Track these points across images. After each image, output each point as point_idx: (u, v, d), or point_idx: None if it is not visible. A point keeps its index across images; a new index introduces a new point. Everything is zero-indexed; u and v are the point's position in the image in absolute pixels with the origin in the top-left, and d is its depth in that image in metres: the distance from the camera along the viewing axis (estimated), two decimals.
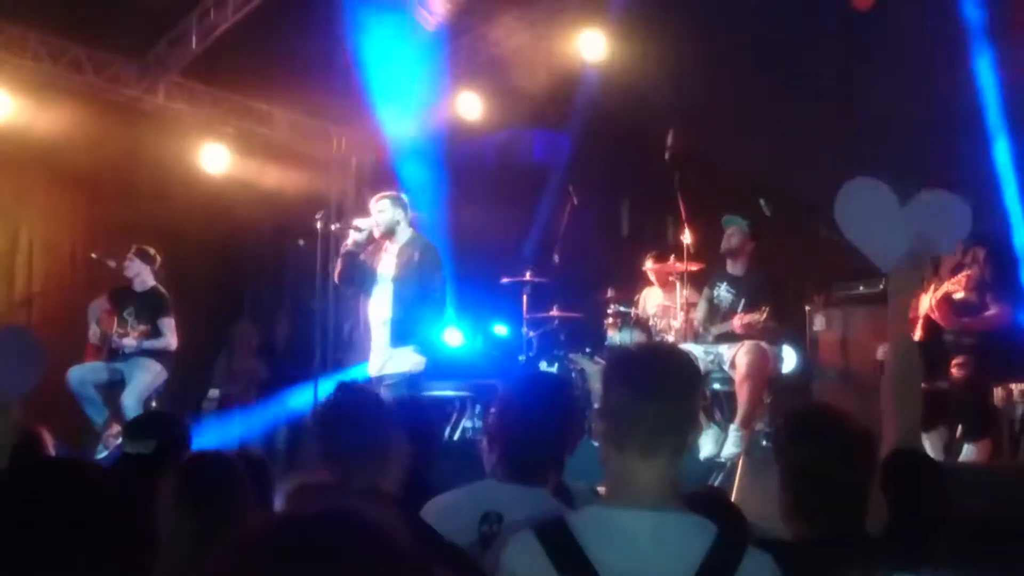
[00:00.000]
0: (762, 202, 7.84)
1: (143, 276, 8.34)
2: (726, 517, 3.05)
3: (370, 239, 7.13)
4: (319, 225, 7.37)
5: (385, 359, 7.06)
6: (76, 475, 1.73)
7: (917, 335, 5.92)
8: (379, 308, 7.11)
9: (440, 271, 7.20)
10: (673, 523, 2.33)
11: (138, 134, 9.83)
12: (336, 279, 7.28)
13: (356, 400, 3.11)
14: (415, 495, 3.22)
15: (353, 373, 9.68)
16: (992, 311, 5.72)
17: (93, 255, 8.51)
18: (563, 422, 3.27)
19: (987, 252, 5.85)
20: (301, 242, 8.35)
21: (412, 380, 7.03)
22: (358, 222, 7.23)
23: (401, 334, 6.98)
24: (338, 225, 7.36)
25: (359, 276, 7.17)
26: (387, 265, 7.12)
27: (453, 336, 9.90)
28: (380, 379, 6.99)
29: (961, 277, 5.66)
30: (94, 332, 8.19)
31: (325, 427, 3.09)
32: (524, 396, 3.32)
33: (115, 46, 9.72)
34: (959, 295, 5.67)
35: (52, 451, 4.82)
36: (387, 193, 7.31)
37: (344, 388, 3.13)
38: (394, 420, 3.10)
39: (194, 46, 9.73)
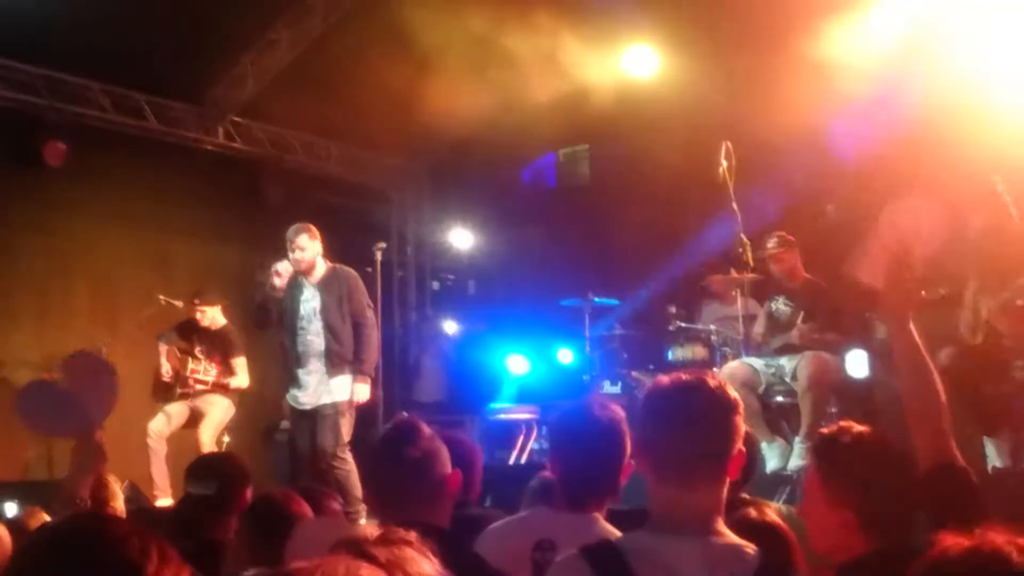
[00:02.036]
0: (829, 208, 7.81)
1: (214, 316, 8.48)
2: (771, 542, 3.06)
3: (293, 277, 7.23)
4: (379, 256, 7.48)
5: (322, 389, 7.06)
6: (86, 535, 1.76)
7: (979, 339, 5.84)
8: (307, 341, 7.13)
9: (365, 295, 7.26)
10: (717, 550, 2.36)
11: (199, 175, 10.04)
12: (274, 324, 7.45)
13: (408, 437, 3.13)
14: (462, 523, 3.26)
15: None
16: None
17: (161, 298, 8.68)
18: (617, 449, 3.28)
19: None
20: (369, 269, 8.47)
21: (354, 408, 7.11)
22: (276, 266, 7.31)
23: (337, 363, 7.05)
24: (259, 276, 7.50)
25: (288, 316, 7.23)
26: (311, 299, 7.17)
27: (518, 364, 9.96)
28: (316, 409, 7.03)
29: (1022, 283, 5.57)
30: (166, 371, 8.33)
31: (375, 464, 3.13)
32: (577, 425, 3.34)
33: (174, 91, 9.95)
34: (1020, 301, 5.57)
35: (118, 497, 4.91)
36: (302, 226, 7.25)
37: (399, 425, 3.15)
38: (444, 456, 3.12)
39: (250, 87, 9.92)
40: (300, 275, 7.21)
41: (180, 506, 4.22)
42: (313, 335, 7.08)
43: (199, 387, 8.28)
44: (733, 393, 2.48)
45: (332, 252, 10.50)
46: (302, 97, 10.11)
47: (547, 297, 9.67)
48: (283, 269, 7.25)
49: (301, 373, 7.12)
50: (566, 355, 10.07)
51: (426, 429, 3.19)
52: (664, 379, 2.55)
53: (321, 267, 7.23)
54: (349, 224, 10.96)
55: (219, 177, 10.39)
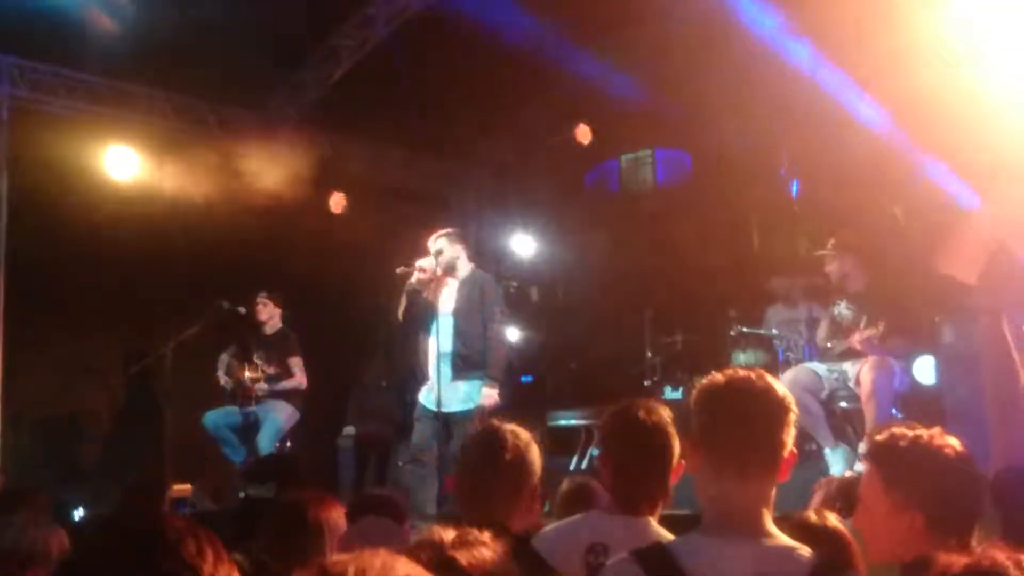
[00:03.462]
0: (896, 211, 7.69)
1: (275, 319, 8.60)
2: (828, 544, 3.00)
3: (431, 277, 7.24)
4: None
5: (448, 392, 7.06)
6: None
7: None
8: (441, 342, 7.17)
9: (500, 304, 7.35)
10: (770, 552, 2.35)
11: (261, 182, 10.14)
12: (400, 316, 7.40)
13: (489, 439, 3.19)
14: None
15: None
16: None
17: (224, 304, 8.77)
18: (666, 451, 3.26)
19: None
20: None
21: (483, 413, 7.06)
22: (420, 262, 7.33)
23: (463, 367, 7.10)
24: (403, 267, 7.46)
25: (420, 313, 7.28)
26: (447, 300, 7.26)
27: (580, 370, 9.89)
28: (450, 415, 7.01)
29: None
30: (225, 381, 8.47)
31: (465, 467, 3.19)
32: (625, 428, 3.32)
33: (236, 100, 10.07)
34: None
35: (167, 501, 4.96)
36: (445, 231, 7.43)
37: (489, 429, 3.22)
38: (535, 467, 3.16)
39: (311, 94, 10.01)
40: (443, 276, 7.29)
41: (239, 508, 4.26)
42: (445, 336, 7.15)
43: (259, 392, 8.37)
44: (787, 393, 2.46)
45: (394, 258, 10.67)
46: (362, 103, 10.20)
47: (608, 302, 9.63)
48: (427, 265, 7.28)
49: (431, 374, 7.18)
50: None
51: (523, 435, 3.23)
52: (719, 376, 2.54)
53: (463, 270, 7.35)
54: (410, 231, 11.00)
55: (282, 183, 10.46)
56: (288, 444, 8.63)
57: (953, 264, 3.22)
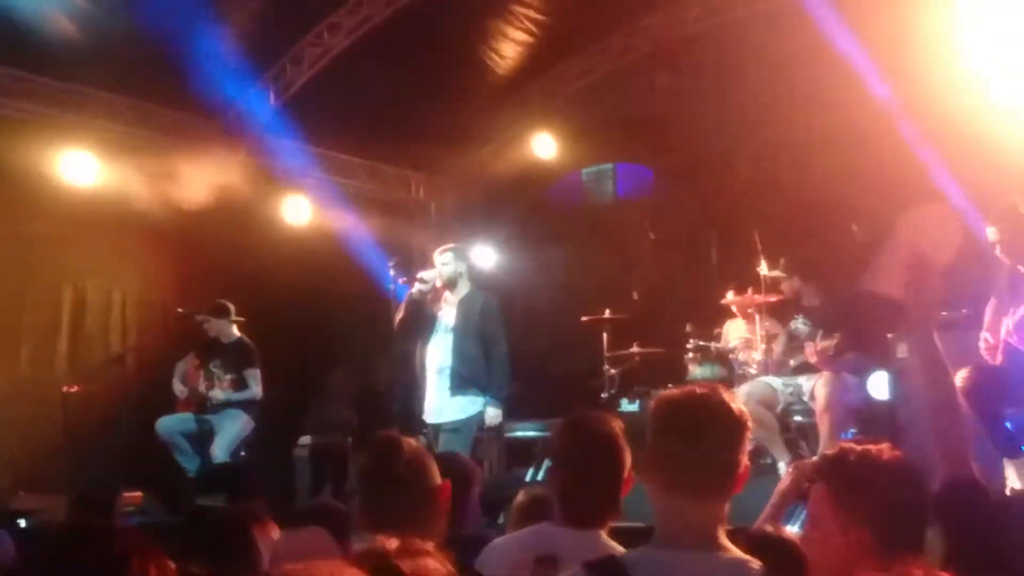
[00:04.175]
0: (854, 227, 7.78)
1: (225, 330, 8.57)
2: (781, 557, 3.02)
3: (433, 290, 7.35)
4: (392, 272, 7.55)
5: (443, 406, 7.23)
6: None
7: (998, 359, 5.77)
8: (437, 356, 7.31)
9: (501, 323, 7.42)
10: (722, 565, 2.37)
11: (222, 190, 10.07)
12: (396, 326, 7.49)
13: (396, 454, 3.10)
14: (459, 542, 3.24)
15: None
16: None
17: (180, 310, 8.76)
18: (616, 464, 3.27)
19: None
20: (392, 287, 8.50)
21: (478, 427, 7.28)
22: (422, 274, 7.45)
23: (460, 383, 7.19)
24: (404, 278, 7.58)
25: (420, 325, 7.39)
26: (447, 315, 7.36)
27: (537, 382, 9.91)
28: (439, 425, 7.17)
29: None
30: (180, 390, 8.43)
31: (364, 481, 3.12)
32: (575, 439, 3.33)
33: (198, 107, 10.00)
34: None
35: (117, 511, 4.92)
36: (451, 246, 7.55)
37: (386, 442, 3.14)
38: (434, 472, 3.11)
39: (272, 101, 9.97)
40: (442, 290, 7.38)
41: (191, 520, 4.22)
42: (443, 351, 7.25)
43: (214, 401, 8.32)
44: (742, 408, 2.48)
45: (352, 267, 10.64)
46: (326, 113, 10.17)
47: (567, 314, 9.64)
48: (428, 277, 7.38)
49: (428, 387, 7.34)
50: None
51: (411, 443, 3.19)
52: (675, 391, 2.55)
53: (464, 287, 7.42)
54: (371, 239, 10.98)
55: (243, 191, 10.40)
56: (243, 453, 8.57)
57: (879, 279, 3.26)
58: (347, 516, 3.75)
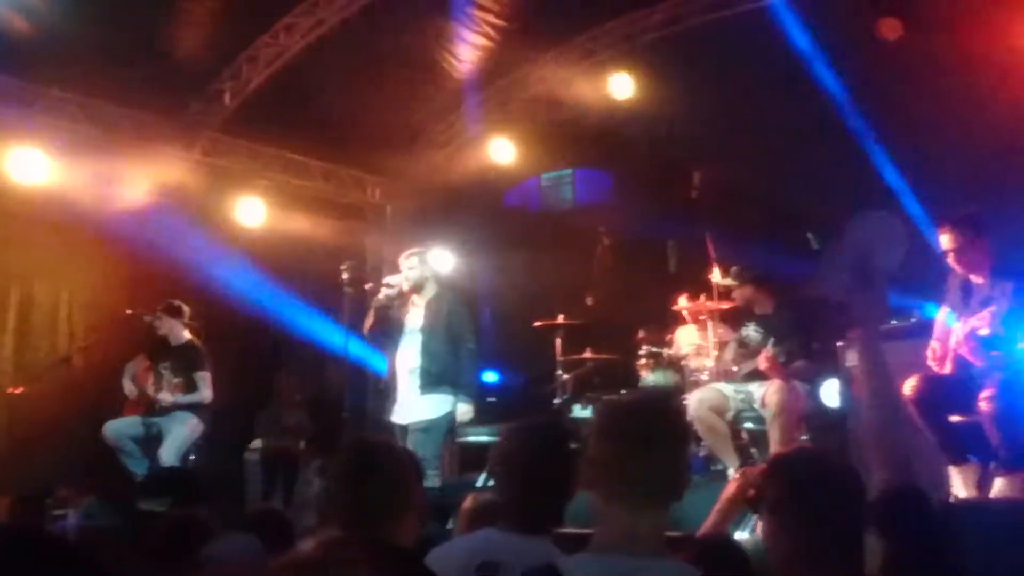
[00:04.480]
0: (809, 235, 7.83)
1: (175, 331, 8.48)
2: (726, 562, 3.03)
3: (400, 294, 7.48)
4: (345, 276, 7.57)
5: (413, 405, 7.31)
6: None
7: (947, 369, 5.82)
8: (407, 358, 7.42)
9: (470, 323, 7.55)
10: (661, 571, 2.35)
11: (176, 190, 9.99)
12: (366, 331, 7.64)
13: (375, 454, 3.13)
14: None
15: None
16: (1023, 344, 5.59)
17: (128, 311, 8.66)
18: (562, 471, 3.26)
19: (1015, 285, 5.72)
20: (349, 290, 8.47)
21: (446, 425, 7.35)
22: (388, 279, 7.58)
23: (430, 382, 7.28)
24: (371, 284, 7.71)
25: (389, 329, 7.52)
26: (415, 317, 7.47)
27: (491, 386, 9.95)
28: (407, 426, 7.23)
29: (985, 314, 5.54)
30: (130, 390, 8.33)
31: (343, 482, 3.10)
32: (522, 446, 3.31)
33: (153, 106, 9.90)
34: (984, 331, 5.55)
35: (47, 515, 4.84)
36: (416, 250, 7.64)
37: (363, 442, 3.15)
38: (414, 473, 3.11)
39: (228, 102, 9.89)
40: (409, 293, 7.49)
41: (130, 523, 4.15)
42: (413, 352, 7.35)
43: (163, 403, 8.23)
44: (688, 418, 2.48)
45: (309, 271, 10.58)
46: (283, 114, 10.10)
47: (522, 319, 9.63)
48: (394, 281, 7.51)
49: (398, 388, 7.43)
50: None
51: (397, 446, 3.19)
52: (620, 398, 2.54)
53: (430, 289, 7.54)
54: (327, 242, 10.92)
55: (198, 192, 10.31)
56: (193, 457, 8.48)
57: (824, 285, 3.29)
58: (289, 522, 3.72)
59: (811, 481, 2.69)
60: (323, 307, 11.45)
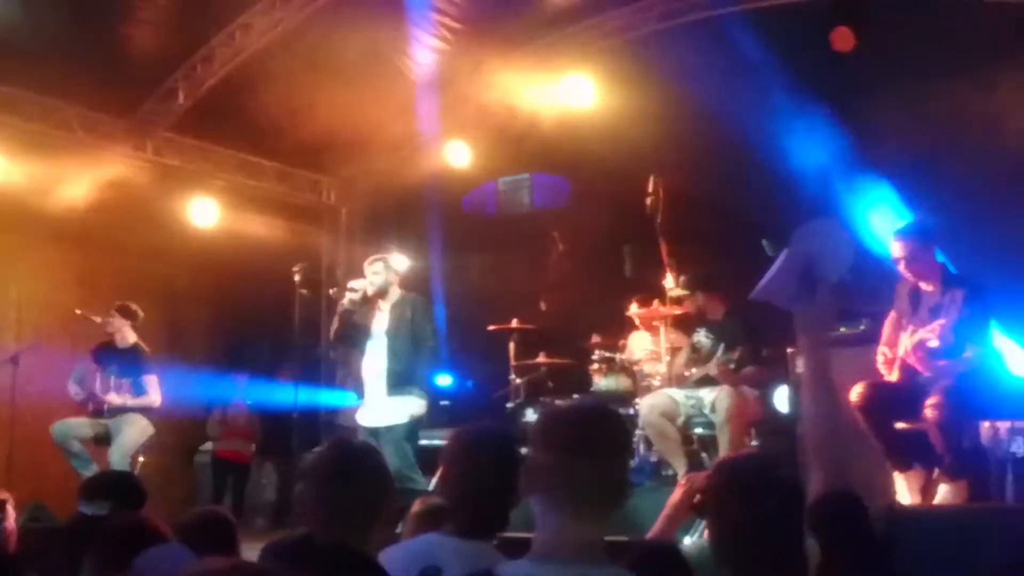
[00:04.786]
0: (764, 243, 7.87)
1: (124, 332, 8.40)
2: (667, 568, 3.04)
3: (364, 299, 7.50)
4: (297, 278, 7.56)
5: (383, 409, 7.33)
6: None
7: (894, 376, 5.88)
8: (374, 362, 7.48)
9: (433, 323, 7.65)
10: None
11: (128, 190, 9.89)
12: (332, 337, 7.78)
13: (355, 458, 3.12)
14: None
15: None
16: (969, 353, 5.66)
17: (78, 311, 8.57)
18: (507, 476, 3.25)
19: (965, 293, 5.80)
20: (304, 292, 8.45)
21: (414, 427, 7.48)
22: (352, 283, 7.59)
23: (398, 383, 7.35)
24: (336, 288, 7.77)
25: (355, 333, 7.57)
26: (380, 322, 7.52)
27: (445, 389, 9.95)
28: (378, 429, 7.26)
29: (935, 326, 5.61)
30: (76, 392, 8.23)
31: (322, 483, 3.07)
32: (467, 450, 3.30)
33: (105, 105, 9.80)
34: (933, 343, 5.62)
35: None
36: (380, 256, 7.72)
37: (343, 445, 3.14)
38: (389, 479, 3.11)
39: (181, 101, 9.81)
40: (374, 297, 7.53)
41: (73, 526, 4.09)
42: (379, 356, 7.42)
43: (110, 405, 8.14)
44: (626, 423, 2.47)
45: (262, 272, 10.51)
46: (237, 114, 10.02)
47: (477, 322, 9.62)
48: (358, 286, 7.53)
49: (365, 391, 7.48)
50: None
51: (377, 451, 3.18)
52: (559, 406, 2.53)
53: (394, 294, 7.57)
54: (281, 244, 10.86)
55: (150, 192, 10.22)
56: (142, 459, 8.40)
57: (770, 292, 3.31)
58: (232, 526, 3.68)
59: (753, 486, 2.72)
60: (276, 308, 11.42)
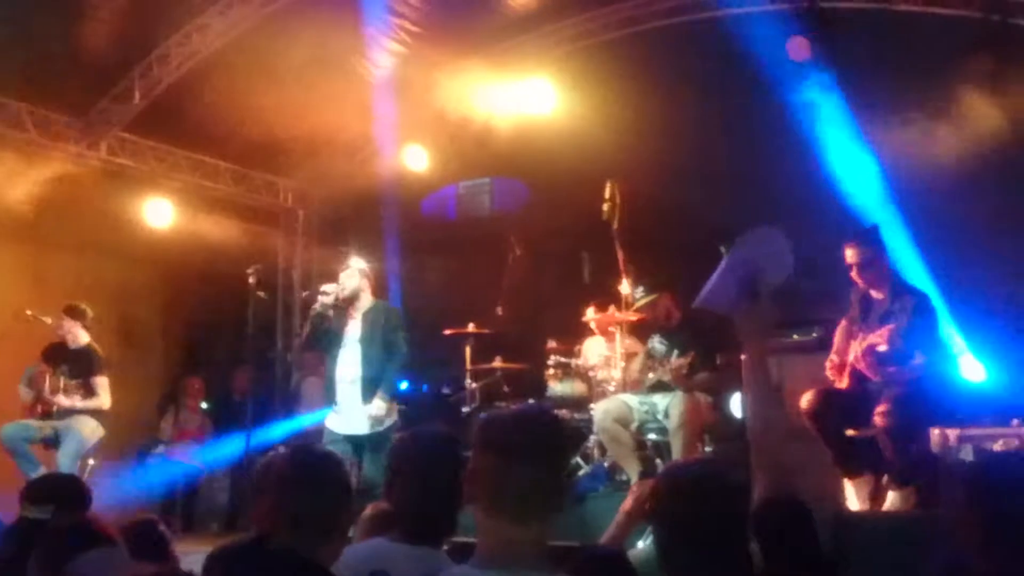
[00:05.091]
0: (723, 249, 7.90)
1: (75, 333, 8.31)
2: (611, 573, 3.04)
3: (336, 303, 7.46)
4: (252, 280, 7.51)
5: (358, 416, 7.29)
6: None
7: (844, 383, 5.93)
8: (348, 368, 7.43)
9: (404, 333, 7.59)
10: None
11: (82, 190, 9.78)
12: (303, 340, 7.81)
13: (318, 465, 3.09)
14: None
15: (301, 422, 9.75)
16: (918, 360, 5.72)
17: (28, 312, 8.46)
18: (454, 480, 3.24)
19: (915, 302, 5.87)
20: (262, 294, 8.39)
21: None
22: (325, 287, 7.54)
23: (373, 391, 7.32)
24: (308, 292, 7.76)
25: (326, 338, 7.52)
26: (353, 328, 7.48)
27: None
28: (355, 437, 7.24)
29: (884, 331, 5.67)
30: (25, 394, 8.13)
31: (280, 489, 3.04)
32: (413, 455, 3.30)
33: (59, 103, 9.69)
34: (882, 348, 5.67)
35: None
36: (355, 262, 7.68)
37: (304, 451, 3.11)
38: (349, 489, 3.08)
39: (137, 101, 9.72)
40: (345, 303, 7.49)
41: (15, 529, 4.03)
42: (353, 362, 7.39)
43: (60, 408, 8.04)
44: (569, 429, 2.46)
45: (218, 274, 10.43)
46: (194, 115, 9.94)
47: (434, 327, 9.60)
48: (330, 290, 7.48)
49: (339, 398, 7.40)
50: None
51: (334, 458, 3.16)
52: (502, 410, 2.52)
53: (365, 301, 7.56)
54: (238, 246, 10.78)
55: (101, 193, 10.11)
56: (92, 462, 8.31)
57: (711, 301, 3.33)
58: (165, 535, 3.65)
59: (699, 491, 2.73)
60: (232, 311, 11.34)
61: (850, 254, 6.03)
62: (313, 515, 2.94)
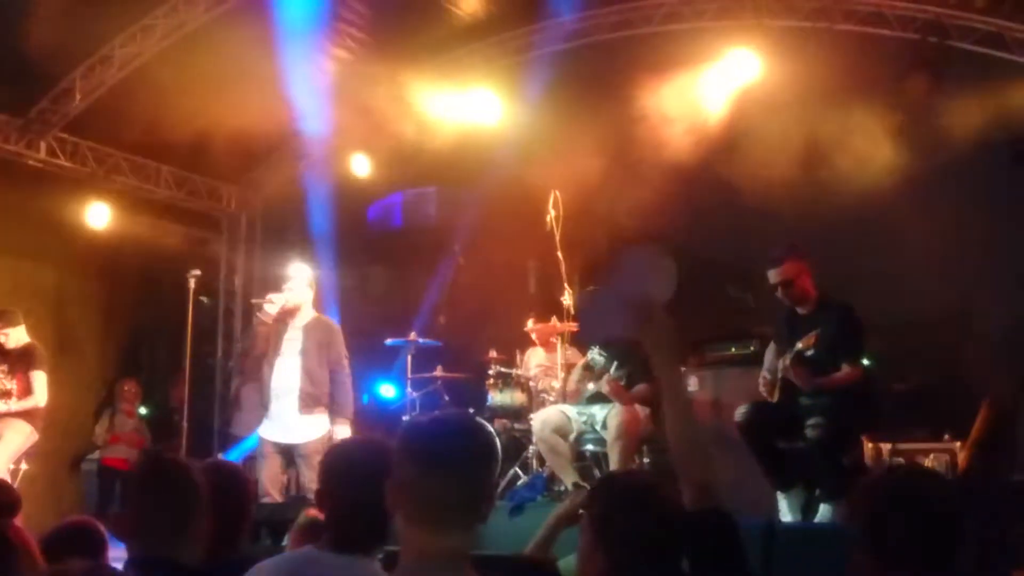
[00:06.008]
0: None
1: (13, 336, 8.14)
2: None
3: (280, 312, 7.43)
4: (191, 284, 7.43)
5: (294, 425, 7.27)
6: None
7: (775, 396, 6.00)
8: (284, 378, 7.38)
9: (344, 348, 7.57)
10: None
11: (19, 191, 9.64)
12: (255, 352, 7.68)
13: (163, 469, 3.06)
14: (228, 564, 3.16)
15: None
16: (845, 371, 5.81)
17: None
18: (383, 490, 3.22)
19: (841, 312, 5.95)
20: (204, 299, 8.32)
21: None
22: (272, 296, 7.49)
23: (310, 404, 7.30)
24: (256, 299, 7.69)
25: (266, 347, 7.48)
26: (293, 338, 7.44)
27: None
28: (292, 446, 7.24)
29: (811, 336, 5.74)
30: None
31: (131, 497, 3.02)
32: (341, 463, 3.28)
33: None
34: (810, 352, 5.74)
35: None
36: (301, 271, 7.64)
37: (153, 456, 3.07)
38: (202, 492, 3.04)
39: (78, 101, 9.61)
40: (289, 313, 7.45)
41: None
42: (290, 373, 7.33)
43: None
44: (492, 436, 2.45)
45: (155, 278, 10.33)
46: (135, 117, 9.84)
47: (375, 335, 9.58)
48: (277, 299, 7.43)
49: (273, 407, 7.36)
50: (388, 391, 10.10)
51: (190, 464, 3.12)
52: (423, 418, 2.52)
53: (307, 312, 7.52)
54: (178, 250, 10.70)
55: (39, 194, 9.97)
56: (25, 467, 8.18)
57: (606, 333, 3.37)
58: (101, 535, 3.61)
59: (629, 502, 2.75)
60: (172, 315, 11.23)
61: (772, 275, 6.08)
62: (159, 519, 2.93)
